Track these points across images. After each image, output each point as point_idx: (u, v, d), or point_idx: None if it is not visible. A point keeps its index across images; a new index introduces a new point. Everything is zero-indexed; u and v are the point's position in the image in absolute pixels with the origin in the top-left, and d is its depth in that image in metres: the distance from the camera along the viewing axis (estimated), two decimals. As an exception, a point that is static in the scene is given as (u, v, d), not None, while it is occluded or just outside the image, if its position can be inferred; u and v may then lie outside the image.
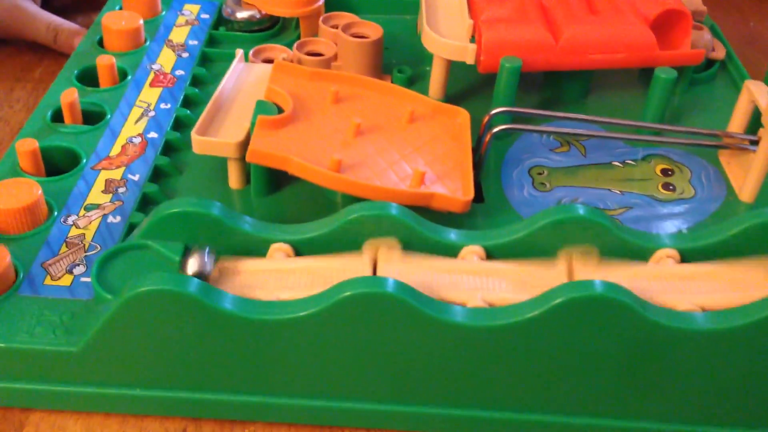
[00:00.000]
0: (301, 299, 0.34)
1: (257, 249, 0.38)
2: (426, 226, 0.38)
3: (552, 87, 0.53)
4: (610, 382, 0.35)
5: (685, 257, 0.38)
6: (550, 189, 0.46)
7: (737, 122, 0.47)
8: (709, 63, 0.56)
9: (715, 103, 0.53)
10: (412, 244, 0.38)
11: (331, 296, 0.33)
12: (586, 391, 0.36)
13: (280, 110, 0.45)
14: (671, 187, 0.46)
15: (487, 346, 0.34)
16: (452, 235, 0.39)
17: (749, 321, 0.33)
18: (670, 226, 0.43)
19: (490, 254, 0.38)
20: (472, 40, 0.50)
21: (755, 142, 0.45)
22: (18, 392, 0.36)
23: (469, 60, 0.49)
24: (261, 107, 0.44)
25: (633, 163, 0.48)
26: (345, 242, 0.38)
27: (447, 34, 0.50)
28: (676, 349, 0.34)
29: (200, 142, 0.43)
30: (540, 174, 0.47)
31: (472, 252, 0.38)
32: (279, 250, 0.38)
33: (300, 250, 0.38)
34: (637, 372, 0.35)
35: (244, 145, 0.43)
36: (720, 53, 0.56)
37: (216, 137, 0.44)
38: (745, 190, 0.45)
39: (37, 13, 0.60)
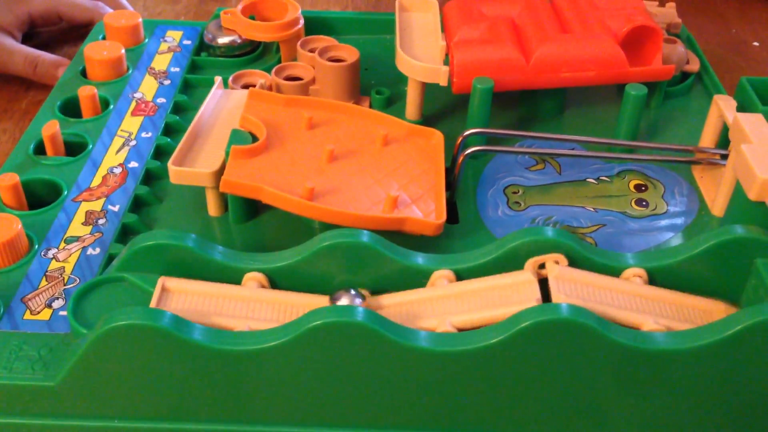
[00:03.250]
0: (271, 329, 0.35)
1: (231, 278, 0.39)
2: (396, 252, 0.39)
3: (527, 104, 0.54)
4: (579, 403, 0.36)
5: (653, 276, 0.38)
6: (524, 208, 0.46)
7: (708, 137, 0.48)
8: (685, 75, 0.56)
9: (691, 116, 0.54)
10: (382, 270, 0.39)
11: (300, 326, 0.34)
12: (556, 412, 0.36)
13: (255, 138, 0.45)
14: (644, 203, 0.47)
15: (455, 370, 0.35)
16: (422, 259, 0.39)
17: (710, 341, 0.33)
18: (641, 243, 0.44)
19: (461, 277, 0.39)
20: (447, 61, 0.50)
21: (726, 156, 0.45)
22: (-2, 427, 0.37)
23: (442, 82, 0.50)
24: (235, 136, 0.45)
25: (607, 179, 0.48)
26: (317, 269, 0.39)
27: (421, 56, 0.51)
28: (641, 369, 0.34)
29: (177, 173, 0.44)
30: (515, 193, 0.48)
31: (442, 276, 0.39)
32: (253, 279, 0.39)
33: (273, 278, 0.39)
34: (605, 392, 0.35)
35: (220, 174, 0.43)
36: (694, 66, 0.56)
37: (193, 167, 0.45)
38: (716, 204, 0.45)
39: (15, 47, 0.62)
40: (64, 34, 0.70)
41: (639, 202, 0.47)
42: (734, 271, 0.38)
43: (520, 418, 0.36)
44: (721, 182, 0.44)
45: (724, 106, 0.45)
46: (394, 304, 0.38)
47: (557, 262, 0.38)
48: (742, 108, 0.47)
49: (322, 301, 0.38)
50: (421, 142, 0.48)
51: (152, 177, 0.49)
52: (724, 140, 0.47)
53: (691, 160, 0.47)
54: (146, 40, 0.61)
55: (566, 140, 0.49)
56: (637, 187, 0.48)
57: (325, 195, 0.43)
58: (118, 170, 0.48)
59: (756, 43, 0.74)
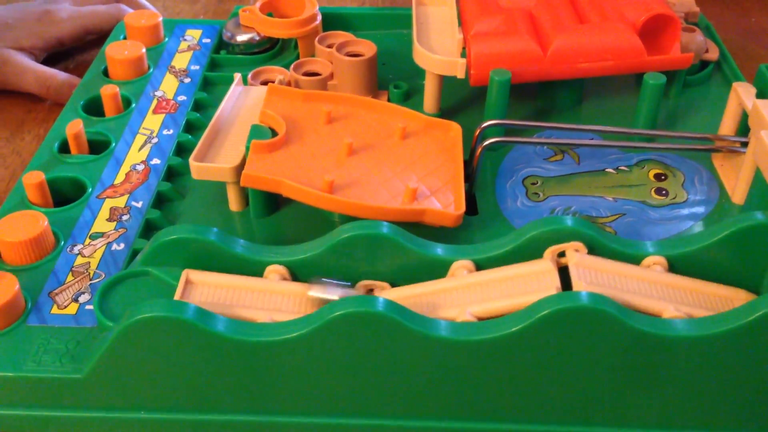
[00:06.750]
0: (293, 320, 0.35)
1: (253, 271, 0.39)
2: (416, 243, 0.39)
3: (545, 95, 0.54)
4: (599, 391, 0.36)
5: (673, 264, 0.38)
6: (543, 199, 0.47)
7: (728, 125, 0.47)
8: (704, 64, 0.56)
9: (710, 105, 0.53)
10: (402, 261, 0.39)
11: (323, 316, 0.35)
12: (576, 399, 0.36)
13: (275, 133, 0.46)
14: (664, 192, 0.47)
15: (475, 359, 0.35)
16: (442, 250, 0.39)
17: (730, 328, 0.33)
18: (662, 232, 0.44)
19: (480, 268, 0.39)
20: (464, 54, 0.51)
21: (746, 144, 0.45)
22: (27, 419, 0.37)
23: (460, 74, 0.50)
24: (255, 131, 0.45)
25: (626, 169, 0.48)
26: (337, 261, 0.39)
27: (438, 49, 0.51)
28: (661, 356, 0.34)
29: (198, 168, 0.44)
30: (534, 184, 0.48)
31: (462, 266, 0.39)
32: (274, 271, 0.39)
33: (294, 271, 0.39)
34: (625, 380, 0.35)
35: (241, 169, 0.44)
36: (713, 54, 0.56)
37: (214, 162, 0.45)
38: (737, 192, 0.45)
39: (27, 66, 0.62)
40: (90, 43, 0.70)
41: (659, 191, 0.47)
42: (755, 257, 0.38)
43: (540, 406, 0.37)
44: (742, 170, 0.44)
45: (743, 93, 0.45)
46: (414, 295, 0.38)
47: (577, 251, 0.38)
48: (761, 95, 0.47)
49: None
50: (439, 135, 0.48)
51: (174, 173, 0.49)
52: (744, 128, 0.47)
53: (710, 148, 0.47)
54: (166, 40, 0.61)
55: (585, 130, 0.49)
56: (657, 177, 0.48)
57: (344, 188, 0.43)
58: (140, 167, 0.49)
59: (776, 31, 0.73)
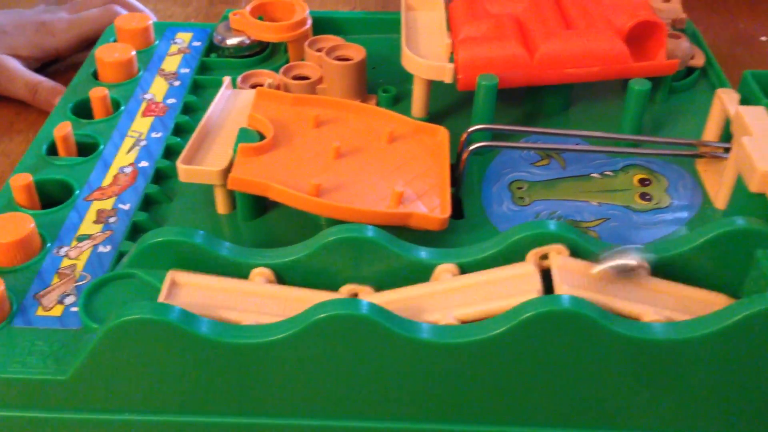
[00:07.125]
0: (277, 322, 0.36)
1: (239, 274, 0.40)
2: (401, 247, 0.39)
3: (533, 100, 0.54)
4: (583, 393, 0.36)
5: (654, 267, 0.39)
6: (528, 203, 0.47)
7: (711, 130, 0.48)
8: (690, 70, 0.56)
9: (696, 111, 0.54)
10: (387, 264, 0.39)
11: (305, 319, 0.35)
12: (560, 402, 0.37)
13: (263, 137, 0.46)
14: (648, 197, 0.47)
15: (458, 362, 0.35)
16: (426, 254, 0.40)
17: (711, 331, 0.34)
18: (645, 236, 0.44)
19: (464, 271, 0.39)
20: (452, 59, 0.51)
21: (729, 150, 0.45)
22: (11, 420, 0.37)
23: (447, 79, 0.50)
24: (243, 135, 0.45)
25: (611, 174, 0.49)
26: (322, 264, 0.39)
27: (426, 54, 0.52)
28: (642, 360, 0.35)
29: (185, 171, 0.45)
30: (519, 188, 0.48)
31: (446, 270, 0.39)
32: (260, 274, 0.40)
33: (280, 273, 0.40)
34: (608, 383, 0.36)
35: (228, 172, 0.44)
36: (699, 61, 0.56)
37: (201, 165, 0.45)
38: (719, 197, 0.45)
39: (17, 72, 0.62)
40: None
41: (643, 196, 0.47)
42: (735, 262, 0.39)
43: (524, 409, 0.37)
44: (724, 175, 0.44)
45: (726, 99, 0.46)
46: (398, 299, 0.39)
47: (560, 254, 0.38)
48: (746, 102, 0.47)
49: (327, 296, 0.39)
50: (426, 139, 0.48)
51: (162, 176, 0.49)
52: (727, 134, 0.47)
53: (694, 154, 0.48)
54: (156, 42, 0.61)
55: (571, 135, 0.49)
56: (642, 182, 0.48)
57: (331, 191, 0.43)
58: (128, 170, 0.49)
59: (763, 38, 0.74)
